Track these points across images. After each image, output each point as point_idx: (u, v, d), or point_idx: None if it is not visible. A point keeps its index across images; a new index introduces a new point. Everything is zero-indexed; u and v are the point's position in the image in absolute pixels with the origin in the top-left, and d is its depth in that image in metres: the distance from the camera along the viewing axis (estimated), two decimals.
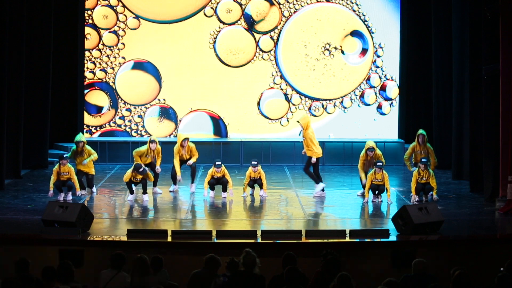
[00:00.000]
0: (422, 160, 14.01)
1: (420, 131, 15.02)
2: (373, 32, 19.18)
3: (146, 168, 14.31)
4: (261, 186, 14.53)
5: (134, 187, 14.14)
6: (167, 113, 19.18)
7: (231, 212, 13.54)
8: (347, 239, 10.86)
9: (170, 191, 14.98)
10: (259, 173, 14.53)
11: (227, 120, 19.27)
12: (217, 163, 14.50)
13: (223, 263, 8.15)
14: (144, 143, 15.44)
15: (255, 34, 19.16)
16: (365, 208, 13.69)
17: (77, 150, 14.64)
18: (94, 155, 14.71)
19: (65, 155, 14.12)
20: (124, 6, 19.00)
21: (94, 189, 14.82)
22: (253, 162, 14.62)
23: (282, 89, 19.26)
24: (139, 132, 19.04)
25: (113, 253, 8.33)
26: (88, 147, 14.73)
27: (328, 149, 18.71)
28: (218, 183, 14.43)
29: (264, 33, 19.17)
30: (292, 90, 19.24)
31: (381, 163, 14.00)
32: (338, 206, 14.03)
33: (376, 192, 13.99)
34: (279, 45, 19.17)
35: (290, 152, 18.48)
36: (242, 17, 19.11)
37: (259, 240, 10.76)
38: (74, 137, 15.06)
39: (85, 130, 18.94)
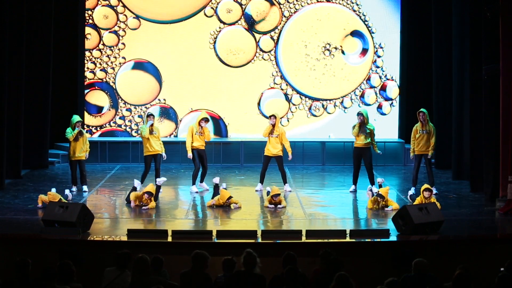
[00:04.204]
0: (425, 189, 13.26)
1: (421, 109, 14.86)
2: (373, 32, 19.18)
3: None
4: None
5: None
6: (167, 113, 19.18)
7: (231, 212, 13.54)
8: (347, 239, 10.85)
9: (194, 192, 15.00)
10: (280, 200, 13.77)
11: (227, 120, 19.27)
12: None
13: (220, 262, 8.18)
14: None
15: (255, 34, 19.16)
16: (365, 208, 13.66)
17: (78, 132, 14.66)
18: (87, 150, 14.91)
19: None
20: (124, 6, 19.00)
21: (85, 187, 14.82)
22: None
23: (282, 89, 19.26)
24: (139, 132, 19.01)
25: (120, 252, 8.32)
26: (84, 132, 14.92)
27: (328, 149, 18.73)
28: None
29: (264, 33, 19.17)
30: (293, 90, 19.24)
31: (382, 197, 13.44)
32: (338, 206, 14.03)
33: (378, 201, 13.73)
34: (279, 45, 19.17)
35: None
36: (242, 17, 19.11)
37: (259, 240, 10.76)
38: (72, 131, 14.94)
39: (85, 130, 18.92)
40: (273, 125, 15.18)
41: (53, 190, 13.79)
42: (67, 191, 14.02)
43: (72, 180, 14.90)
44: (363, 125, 14.97)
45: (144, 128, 14.97)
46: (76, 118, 14.89)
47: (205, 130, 15.08)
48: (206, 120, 15.12)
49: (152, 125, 14.92)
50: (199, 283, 7.96)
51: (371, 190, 14.28)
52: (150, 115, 15.03)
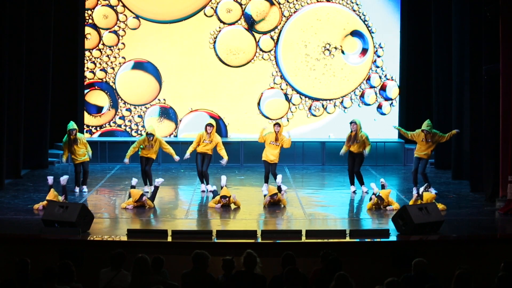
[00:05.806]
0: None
1: (424, 128, 14.70)
2: (373, 32, 19.18)
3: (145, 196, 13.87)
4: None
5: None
6: (167, 113, 19.19)
7: (231, 212, 13.53)
8: (347, 239, 10.85)
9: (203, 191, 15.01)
10: (279, 198, 13.77)
11: (227, 120, 19.27)
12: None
13: (220, 262, 8.18)
14: None
15: (255, 34, 19.17)
16: (365, 208, 13.66)
17: (69, 138, 14.61)
18: (89, 150, 14.83)
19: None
20: (124, 6, 19.01)
21: (85, 188, 14.83)
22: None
23: (282, 89, 19.26)
24: (139, 132, 19.04)
25: (113, 252, 8.31)
26: (80, 135, 14.78)
27: (328, 149, 18.72)
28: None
29: (264, 33, 19.17)
30: (292, 90, 19.24)
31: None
32: (338, 206, 14.03)
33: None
34: (279, 45, 19.17)
35: (291, 152, 18.43)
36: (242, 17, 19.12)
37: (259, 240, 10.75)
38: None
39: (85, 130, 18.95)
40: (277, 133, 15.03)
41: (50, 178, 13.75)
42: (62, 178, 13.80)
43: (75, 181, 14.86)
44: (355, 135, 14.87)
45: (138, 148, 14.94)
46: (70, 125, 14.75)
47: (213, 138, 15.00)
48: (210, 125, 15.03)
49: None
50: (201, 283, 7.96)
51: (372, 191, 14.28)
52: (150, 136, 14.77)
